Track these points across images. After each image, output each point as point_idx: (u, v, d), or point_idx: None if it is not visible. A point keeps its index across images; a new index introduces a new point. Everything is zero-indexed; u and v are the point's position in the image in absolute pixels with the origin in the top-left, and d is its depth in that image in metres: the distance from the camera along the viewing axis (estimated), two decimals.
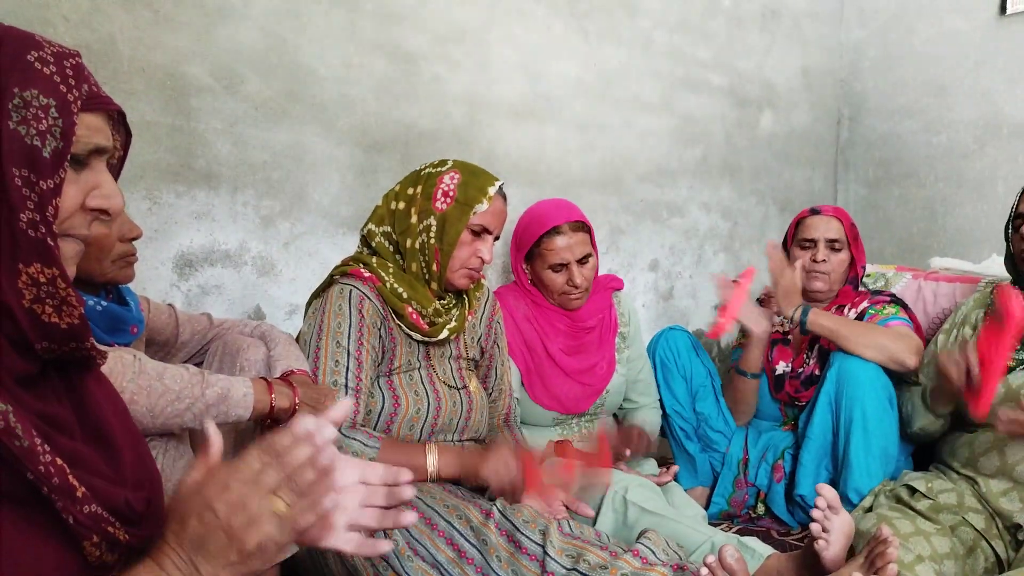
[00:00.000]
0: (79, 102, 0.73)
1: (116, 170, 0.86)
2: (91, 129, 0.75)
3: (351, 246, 2.06)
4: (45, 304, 0.72)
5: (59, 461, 0.70)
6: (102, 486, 0.75)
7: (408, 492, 0.86)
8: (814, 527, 1.45)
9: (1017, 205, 1.89)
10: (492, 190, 1.64)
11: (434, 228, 1.61)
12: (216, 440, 0.80)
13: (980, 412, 1.66)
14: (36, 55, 0.72)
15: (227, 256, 1.92)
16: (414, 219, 1.63)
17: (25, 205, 0.69)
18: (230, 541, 0.71)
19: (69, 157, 0.72)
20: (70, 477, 0.71)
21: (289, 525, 0.74)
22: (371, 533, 0.85)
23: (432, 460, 1.55)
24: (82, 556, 0.73)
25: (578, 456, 1.67)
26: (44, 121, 0.70)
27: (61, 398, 0.80)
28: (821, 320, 2.09)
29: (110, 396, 0.87)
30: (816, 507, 1.45)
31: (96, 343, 0.80)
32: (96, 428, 0.82)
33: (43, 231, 0.70)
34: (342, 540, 0.83)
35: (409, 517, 0.85)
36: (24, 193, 0.69)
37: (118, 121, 0.83)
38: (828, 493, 1.48)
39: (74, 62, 0.75)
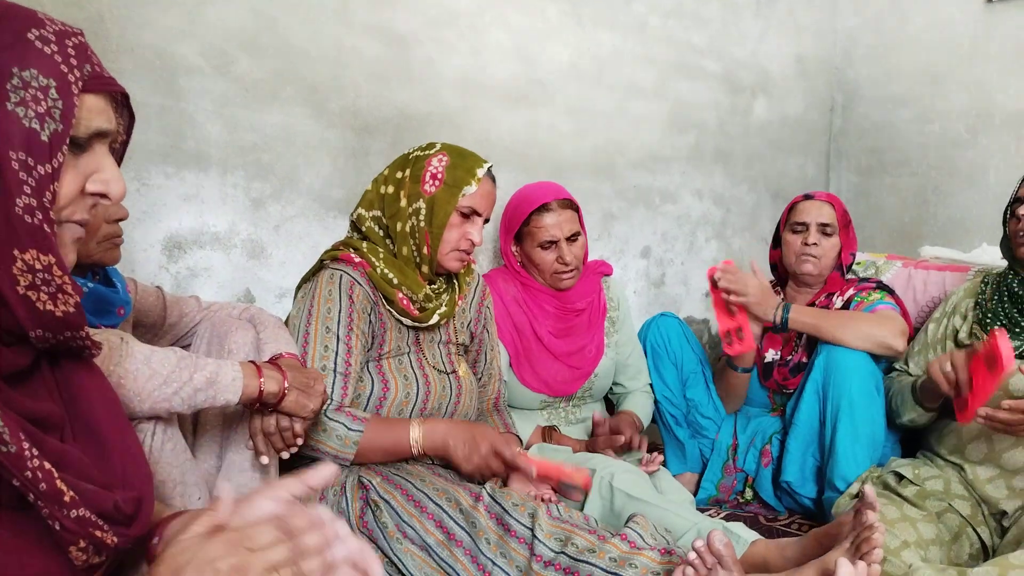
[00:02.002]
0: (80, 83, 0.71)
1: (119, 154, 0.84)
2: (92, 111, 0.73)
3: (342, 229, 2.05)
4: (40, 291, 0.71)
5: (47, 465, 0.69)
6: (91, 489, 0.74)
7: None
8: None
9: (1018, 189, 1.89)
10: (480, 172, 1.63)
11: (423, 211, 1.61)
12: (227, 499, 0.78)
13: (964, 422, 1.68)
14: (37, 33, 0.69)
15: (216, 239, 1.91)
16: (403, 203, 1.62)
17: (22, 190, 0.67)
18: None
19: (69, 140, 0.70)
20: (58, 482, 0.70)
21: None
22: None
23: (416, 439, 1.55)
24: (68, 560, 0.72)
25: (563, 465, 1.68)
26: (43, 103, 0.68)
27: (52, 393, 0.78)
28: (802, 317, 2.08)
29: (101, 388, 0.86)
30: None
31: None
32: (87, 425, 0.80)
33: (40, 217, 0.69)
34: None
35: None
36: (21, 177, 0.67)
37: (121, 103, 0.81)
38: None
39: (77, 41, 0.73)
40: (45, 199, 0.69)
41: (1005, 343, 1.55)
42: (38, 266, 0.70)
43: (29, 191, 0.68)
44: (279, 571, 0.72)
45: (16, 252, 0.68)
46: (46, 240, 0.70)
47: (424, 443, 1.55)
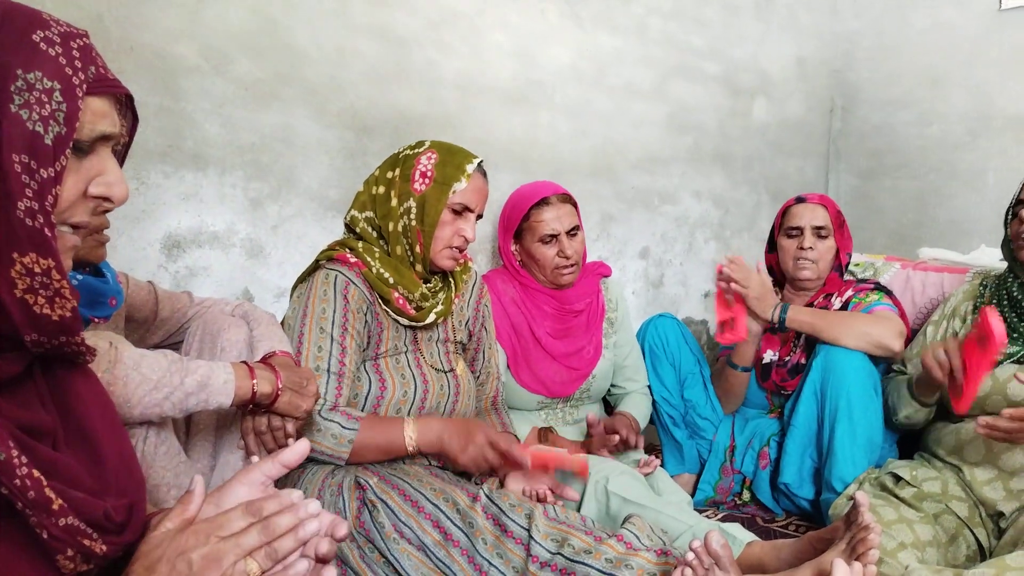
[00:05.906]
0: (85, 86, 0.71)
1: (120, 155, 0.83)
2: (96, 115, 0.73)
3: (340, 229, 2.05)
4: (38, 295, 0.70)
5: (36, 473, 0.69)
6: (81, 498, 0.73)
7: (328, 549, 0.81)
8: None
9: (1020, 192, 1.89)
10: (470, 168, 1.62)
11: (414, 210, 1.60)
12: (198, 493, 0.79)
13: (960, 411, 1.69)
14: (42, 35, 0.69)
15: (215, 238, 1.91)
16: (394, 202, 1.62)
17: (24, 193, 0.67)
18: None
19: (72, 144, 0.70)
20: (46, 490, 0.69)
21: None
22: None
23: (411, 435, 1.55)
24: (56, 568, 0.72)
25: (559, 453, 1.69)
26: (47, 105, 0.68)
27: (45, 400, 0.78)
28: (800, 316, 2.08)
29: (96, 393, 0.85)
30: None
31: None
32: (80, 432, 0.80)
33: (41, 221, 0.68)
34: None
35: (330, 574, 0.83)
36: (23, 180, 0.67)
37: (125, 104, 0.80)
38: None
39: (82, 43, 0.72)
40: (47, 203, 0.69)
41: (996, 320, 1.56)
42: (37, 269, 0.69)
43: (31, 194, 0.67)
44: (252, 555, 0.73)
45: (15, 255, 0.68)
46: (46, 244, 0.69)
47: (419, 440, 1.55)
